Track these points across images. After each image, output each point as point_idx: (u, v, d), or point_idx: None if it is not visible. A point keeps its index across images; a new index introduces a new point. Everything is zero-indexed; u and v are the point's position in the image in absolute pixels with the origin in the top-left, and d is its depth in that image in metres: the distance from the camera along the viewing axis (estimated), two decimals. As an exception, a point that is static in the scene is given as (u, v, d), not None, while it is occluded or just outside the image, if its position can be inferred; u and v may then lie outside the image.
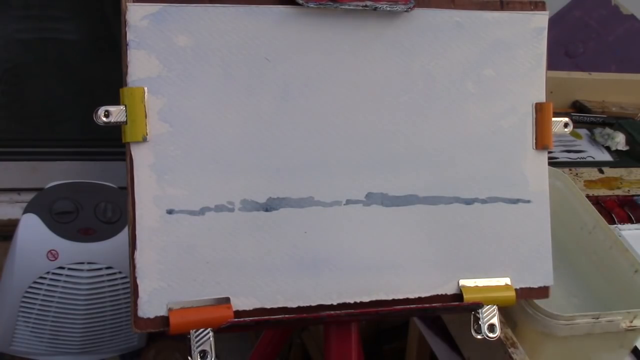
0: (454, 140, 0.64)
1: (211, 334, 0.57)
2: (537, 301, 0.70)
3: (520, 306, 0.72)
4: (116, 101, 0.56)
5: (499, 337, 0.65)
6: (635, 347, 0.79)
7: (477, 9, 0.64)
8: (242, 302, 0.59)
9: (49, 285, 1.31)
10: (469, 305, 0.63)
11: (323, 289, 0.61)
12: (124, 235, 1.31)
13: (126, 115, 0.55)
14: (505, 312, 0.75)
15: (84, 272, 1.31)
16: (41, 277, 1.30)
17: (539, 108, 0.66)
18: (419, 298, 0.63)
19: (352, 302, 0.61)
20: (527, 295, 0.67)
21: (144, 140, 0.56)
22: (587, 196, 0.97)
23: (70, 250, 1.30)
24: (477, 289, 0.64)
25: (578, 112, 1.32)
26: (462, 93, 0.64)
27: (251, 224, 0.59)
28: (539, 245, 0.66)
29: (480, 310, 0.64)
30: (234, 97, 0.58)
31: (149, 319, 0.56)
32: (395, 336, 1.36)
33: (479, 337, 0.64)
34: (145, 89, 0.56)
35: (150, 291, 0.56)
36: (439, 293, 0.64)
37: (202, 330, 0.56)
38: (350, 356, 0.67)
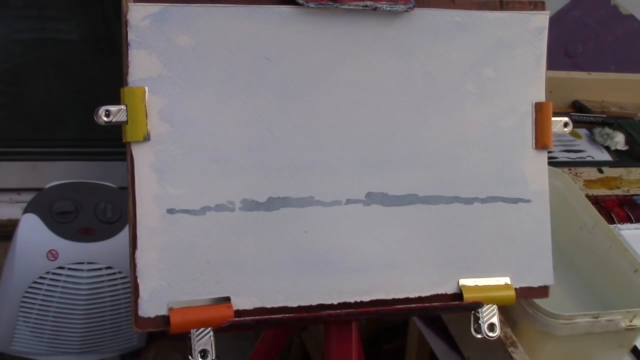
0: (454, 140, 0.64)
1: (211, 333, 0.57)
2: (536, 300, 0.70)
3: (520, 305, 0.72)
4: (116, 101, 0.56)
5: (499, 336, 0.65)
6: (635, 347, 0.79)
7: (477, 8, 0.64)
8: (243, 302, 0.59)
9: (49, 285, 1.31)
10: (469, 305, 0.63)
11: (323, 288, 0.61)
12: (124, 235, 1.31)
13: (127, 115, 0.56)
14: (505, 311, 0.76)
15: (84, 272, 1.31)
16: (41, 277, 1.30)
17: (538, 108, 0.66)
18: (419, 297, 0.63)
19: (352, 301, 0.61)
20: (526, 294, 0.67)
21: (145, 139, 0.56)
22: (587, 196, 0.97)
23: (70, 250, 1.30)
24: (477, 288, 0.64)
25: (577, 112, 1.33)
26: (462, 93, 0.64)
27: (252, 223, 0.59)
28: (539, 245, 0.66)
29: (480, 310, 0.64)
30: (235, 96, 0.58)
31: (149, 318, 0.56)
32: (395, 336, 1.36)
33: (478, 336, 0.64)
34: (146, 88, 0.56)
35: (151, 290, 0.56)
36: (439, 292, 0.64)
37: (202, 329, 0.57)
38: (350, 356, 0.67)
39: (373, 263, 0.62)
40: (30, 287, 1.31)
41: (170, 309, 0.57)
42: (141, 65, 0.56)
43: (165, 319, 0.57)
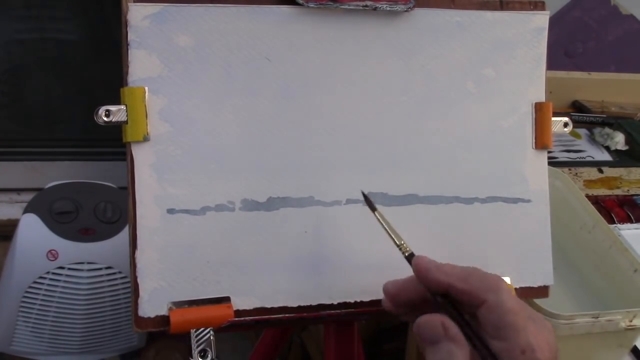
0: (454, 140, 0.64)
1: (211, 333, 0.57)
2: (536, 300, 0.70)
3: (520, 305, 0.72)
4: (116, 101, 0.56)
5: (499, 336, 0.65)
6: (635, 347, 0.79)
7: (477, 8, 0.64)
8: (243, 302, 0.59)
9: (49, 285, 1.31)
10: (469, 305, 0.63)
11: (323, 288, 0.61)
12: (124, 235, 1.31)
13: (127, 115, 0.56)
14: (505, 311, 0.75)
15: (83, 272, 1.31)
16: (41, 277, 1.30)
17: (538, 108, 0.66)
18: (419, 297, 0.63)
19: (352, 301, 0.61)
20: (526, 294, 0.67)
21: (145, 139, 0.56)
22: (587, 196, 0.97)
23: (70, 250, 1.30)
24: (477, 288, 0.64)
25: (577, 112, 1.33)
26: (462, 93, 0.64)
27: (252, 223, 0.59)
28: (539, 245, 0.66)
29: (480, 310, 0.63)
30: (235, 96, 0.58)
31: (149, 318, 0.56)
32: (395, 336, 1.36)
33: (479, 336, 0.64)
34: (146, 88, 0.56)
35: (151, 290, 0.56)
36: (439, 292, 0.64)
37: (202, 329, 0.57)
38: (350, 356, 0.67)
39: (373, 263, 0.62)
40: (30, 287, 1.31)
41: (170, 309, 0.56)
42: (141, 65, 0.56)
43: (165, 319, 0.57)
